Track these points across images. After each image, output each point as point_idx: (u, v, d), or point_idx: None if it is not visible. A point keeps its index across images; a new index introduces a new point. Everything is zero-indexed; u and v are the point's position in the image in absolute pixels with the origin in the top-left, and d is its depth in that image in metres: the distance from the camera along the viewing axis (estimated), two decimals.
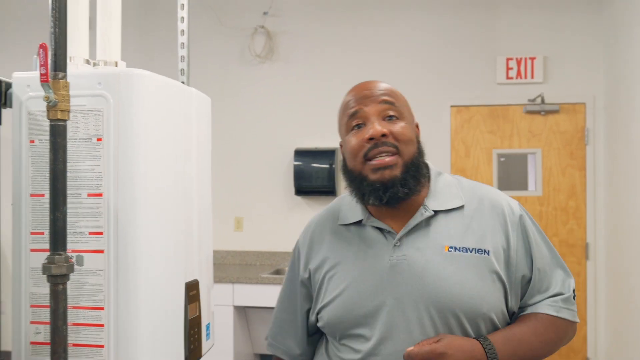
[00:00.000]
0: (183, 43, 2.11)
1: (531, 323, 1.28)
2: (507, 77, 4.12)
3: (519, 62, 4.10)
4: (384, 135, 1.25)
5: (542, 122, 4.09)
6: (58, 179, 1.12)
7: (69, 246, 1.19)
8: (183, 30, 2.10)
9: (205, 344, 1.49)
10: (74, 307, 1.21)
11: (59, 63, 1.12)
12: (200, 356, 1.45)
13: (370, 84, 1.34)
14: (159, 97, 1.29)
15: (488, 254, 1.26)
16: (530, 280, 1.31)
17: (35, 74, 1.25)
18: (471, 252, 1.25)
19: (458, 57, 4.20)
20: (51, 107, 1.12)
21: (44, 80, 1.10)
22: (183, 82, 2.00)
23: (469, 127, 4.19)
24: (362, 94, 1.31)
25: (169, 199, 1.33)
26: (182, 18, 2.11)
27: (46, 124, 1.22)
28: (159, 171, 1.29)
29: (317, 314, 1.35)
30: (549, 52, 4.10)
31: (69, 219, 1.19)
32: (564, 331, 1.31)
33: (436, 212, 1.30)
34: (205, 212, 1.53)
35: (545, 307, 1.30)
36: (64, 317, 1.14)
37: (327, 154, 4.26)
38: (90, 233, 1.22)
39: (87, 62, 1.36)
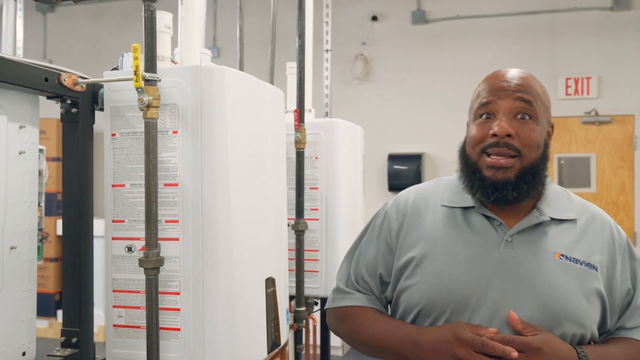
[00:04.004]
0: (327, 85, 3.16)
1: (624, 346, 1.23)
2: (567, 94, 4.92)
3: (576, 81, 4.90)
4: (509, 135, 1.18)
5: (597, 130, 4.88)
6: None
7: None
8: (327, 76, 3.16)
9: None
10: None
11: (302, 117, 2.14)
12: None
13: (509, 74, 1.25)
14: (345, 134, 2.31)
15: (596, 270, 1.21)
16: (630, 303, 1.25)
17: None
18: (580, 264, 1.20)
19: None
20: (297, 141, 2.14)
21: (297, 128, 2.12)
22: (327, 113, 3.07)
23: None
24: (498, 86, 1.23)
25: (352, 198, 2.34)
26: (327, 68, 3.16)
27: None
28: (346, 178, 2.30)
29: (401, 291, 1.27)
30: (603, 72, 4.86)
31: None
32: None
33: (550, 219, 1.24)
34: (361, 208, 2.54)
35: None
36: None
37: (414, 158, 5.22)
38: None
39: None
